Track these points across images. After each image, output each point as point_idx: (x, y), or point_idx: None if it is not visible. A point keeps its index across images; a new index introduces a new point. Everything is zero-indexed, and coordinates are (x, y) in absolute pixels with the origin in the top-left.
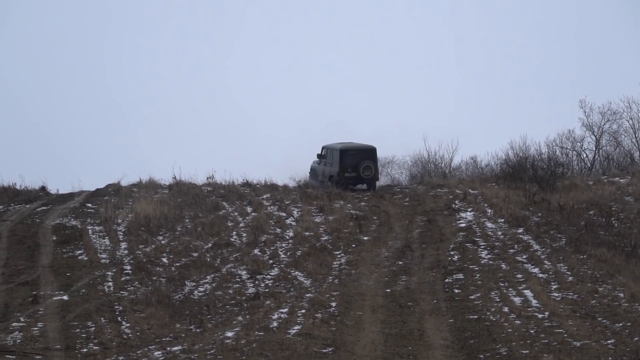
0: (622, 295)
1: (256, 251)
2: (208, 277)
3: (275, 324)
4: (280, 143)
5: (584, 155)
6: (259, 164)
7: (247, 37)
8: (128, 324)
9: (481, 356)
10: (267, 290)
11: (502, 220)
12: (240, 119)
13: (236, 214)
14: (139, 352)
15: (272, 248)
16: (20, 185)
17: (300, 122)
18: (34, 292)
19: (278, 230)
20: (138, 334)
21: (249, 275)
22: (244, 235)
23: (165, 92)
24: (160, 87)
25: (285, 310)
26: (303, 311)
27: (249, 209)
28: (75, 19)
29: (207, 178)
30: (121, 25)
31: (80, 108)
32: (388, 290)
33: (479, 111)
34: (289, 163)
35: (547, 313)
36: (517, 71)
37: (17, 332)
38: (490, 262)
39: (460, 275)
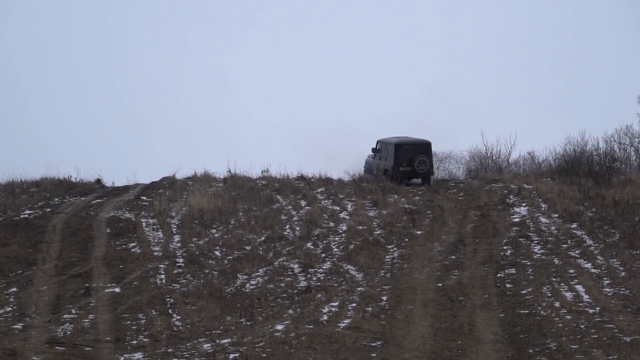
0: None
1: (309, 245)
2: (260, 270)
3: (325, 317)
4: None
5: None
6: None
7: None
8: (179, 317)
9: (530, 351)
10: (318, 283)
11: (556, 215)
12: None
13: (290, 207)
14: (188, 344)
15: (325, 242)
16: (76, 178)
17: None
18: (86, 284)
19: (331, 224)
20: (188, 326)
21: (301, 269)
22: (297, 228)
23: (218, 85)
24: (214, 80)
25: (336, 303)
26: (354, 305)
27: (303, 203)
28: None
29: (262, 172)
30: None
31: (138, 101)
32: (440, 284)
33: (538, 107)
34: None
35: (598, 308)
36: (577, 66)
37: (68, 323)
38: (543, 257)
39: (513, 270)
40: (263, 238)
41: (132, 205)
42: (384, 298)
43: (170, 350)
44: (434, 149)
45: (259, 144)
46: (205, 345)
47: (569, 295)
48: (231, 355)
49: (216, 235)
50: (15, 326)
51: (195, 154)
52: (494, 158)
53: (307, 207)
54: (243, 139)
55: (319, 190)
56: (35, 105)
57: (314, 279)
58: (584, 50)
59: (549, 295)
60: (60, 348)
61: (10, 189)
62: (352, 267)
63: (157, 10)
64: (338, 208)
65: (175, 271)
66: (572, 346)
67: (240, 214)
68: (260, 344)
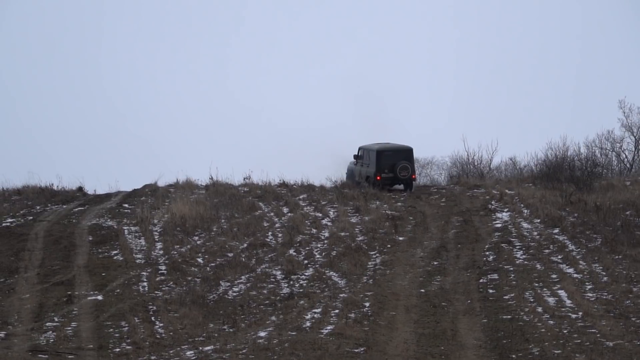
0: None
1: (291, 251)
2: (243, 277)
3: (308, 324)
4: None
5: (624, 156)
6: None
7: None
8: (161, 324)
9: (513, 356)
10: (301, 290)
11: (538, 220)
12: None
13: (272, 214)
14: (171, 351)
15: (307, 248)
16: (58, 186)
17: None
18: (69, 292)
19: (314, 230)
20: (171, 333)
21: (283, 276)
22: (280, 235)
23: (201, 92)
24: (197, 87)
25: (319, 310)
26: (336, 311)
27: (285, 210)
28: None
29: (244, 178)
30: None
31: (118, 109)
32: (422, 290)
33: (519, 112)
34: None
35: (580, 313)
36: (557, 71)
37: (51, 331)
38: (526, 262)
39: (495, 276)
40: (245, 245)
41: (114, 212)
42: (367, 304)
43: (153, 357)
44: (416, 155)
45: (240, 151)
46: (188, 353)
47: (551, 300)
48: None
49: (198, 242)
50: None
51: (177, 162)
52: (476, 164)
53: (289, 214)
54: (225, 146)
55: (301, 196)
56: (16, 113)
57: (297, 285)
58: (564, 55)
59: (532, 300)
60: (43, 356)
61: None
62: (334, 274)
63: (134, 22)
64: (320, 214)
65: (157, 278)
66: (555, 351)
67: (223, 221)
68: (243, 351)
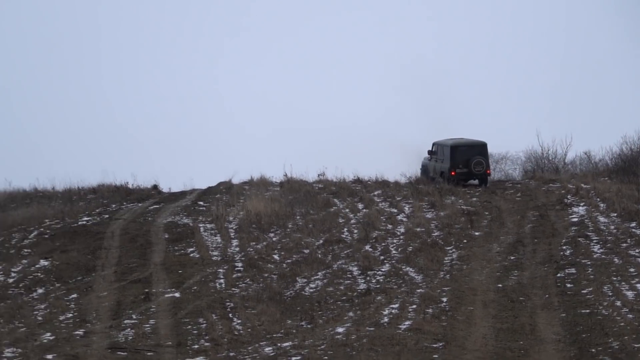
0: None
1: (367, 247)
2: (319, 273)
3: (385, 319)
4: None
5: None
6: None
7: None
8: (239, 321)
9: (593, 350)
10: (378, 286)
11: (615, 214)
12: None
13: (347, 210)
14: (249, 348)
15: (383, 244)
16: (133, 184)
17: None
18: (146, 290)
19: (389, 226)
20: (249, 330)
21: (360, 271)
22: (355, 231)
23: (268, 92)
24: (266, 85)
25: (396, 305)
26: (414, 306)
27: (360, 206)
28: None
29: (318, 175)
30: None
31: (193, 108)
32: (499, 285)
33: (593, 106)
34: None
35: None
36: (630, 64)
37: (129, 329)
38: (603, 256)
39: (573, 270)
40: (321, 241)
41: (190, 210)
42: (444, 299)
43: (232, 354)
44: (489, 150)
45: (313, 149)
46: (267, 349)
47: (630, 294)
48: (293, 358)
49: (274, 239)
50: (77, 332)
51: (250, 160)
52: (550, 158)
53: (364, 210)
54: (296, 144)
55: (375, 192)
56: (93, 113)
57: (374, 281)
58: (634, 48)
59: (610, 294)
60: (122, 353)
61: (67, 197)
62: (411, 269)
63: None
64: (395, 210)
65: (234, 275)
66: (635, 345)
67: (298, 217)
68: (322, 347)
